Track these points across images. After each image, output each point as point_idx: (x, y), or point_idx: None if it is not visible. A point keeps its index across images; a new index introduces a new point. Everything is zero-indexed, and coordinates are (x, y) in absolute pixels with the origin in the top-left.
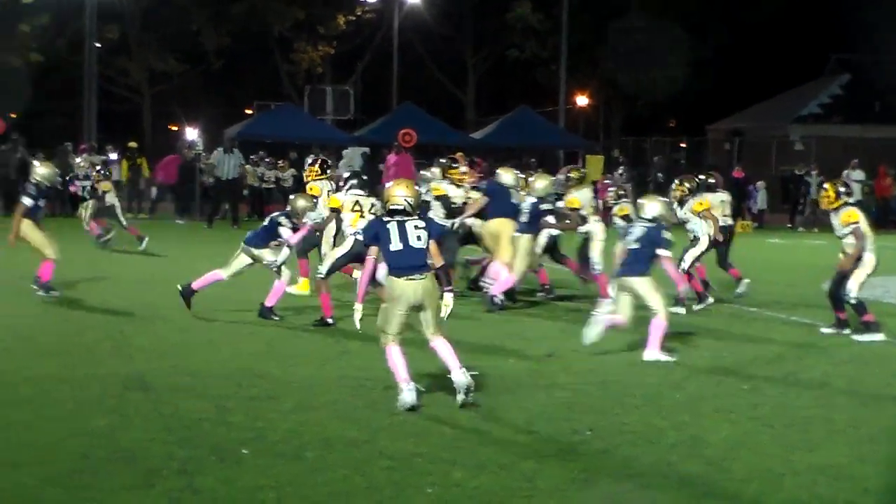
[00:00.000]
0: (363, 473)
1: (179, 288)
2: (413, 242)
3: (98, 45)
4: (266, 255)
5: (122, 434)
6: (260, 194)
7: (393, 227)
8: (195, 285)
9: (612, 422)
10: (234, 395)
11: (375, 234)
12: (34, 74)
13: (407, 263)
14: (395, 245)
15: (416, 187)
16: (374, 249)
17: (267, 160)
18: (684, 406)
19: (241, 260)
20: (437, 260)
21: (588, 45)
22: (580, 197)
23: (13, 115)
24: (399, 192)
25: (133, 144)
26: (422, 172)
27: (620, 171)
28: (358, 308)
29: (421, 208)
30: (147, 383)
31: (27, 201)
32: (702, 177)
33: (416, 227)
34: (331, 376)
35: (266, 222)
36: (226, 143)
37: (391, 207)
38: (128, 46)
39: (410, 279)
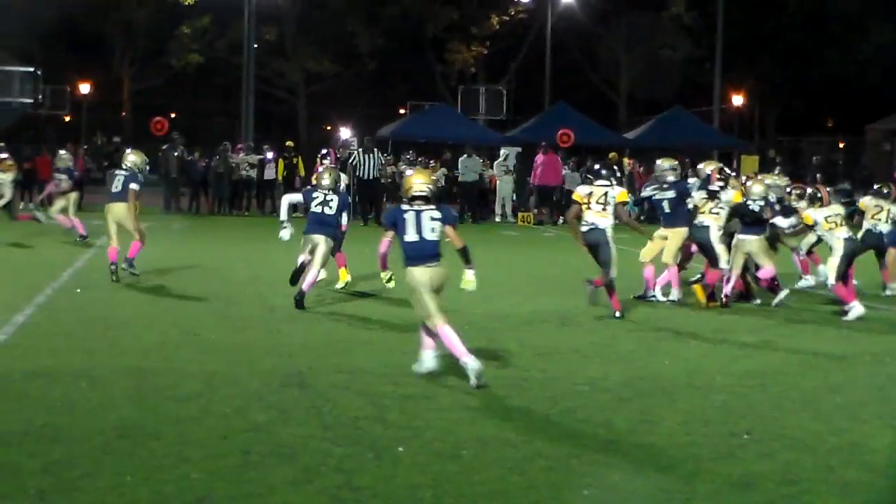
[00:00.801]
0: (520, 473)
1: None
2: (427, 235)
3: (256, 46)
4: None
5: (282, 430)
6: None
7: (410, 217)
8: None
9: (771, 426)
10: (391, 393)
11: (394, 220)
12: (195, 75)
13: (420, 254)
14: (411, 236)
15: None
16: (389, 232)
17: (420, 160)
18: (844, 411)
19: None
20: (457, 242)
21: (743, 43)
22: (813, 214)
23: (174, 115)
24: (419, 181)
25: (290, 144)
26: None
27: (776, 172)
28: (385, 274)
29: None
30: (305, 380)
31: (137, 186)
32: None
33: (431, 217)
34: (487, 375)
35: None
36: (365, 143)
37: (413, 194)
38: (284, 48)
39: (427, 267)
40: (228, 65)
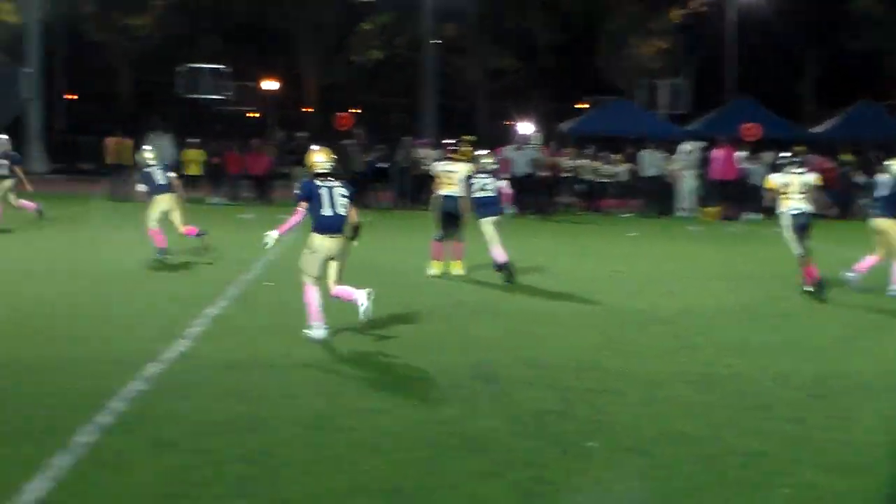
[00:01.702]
0: (713, 470)
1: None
2: (339, 210)
3: (436, 42)
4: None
5: (471, 423)
6: (594, 188)
7: (325, 193)
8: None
9: None
10: (577, 387)
11: (309, 193)
12: (376, 71)
13: (332, 226)
14: (326, 210)
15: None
16: (304, 204)
17: (601, 154)
18: None
19: None
20: (353, 218)
21: None
22: None
23: (355, 111)
24: (321, 159)
25: (468, 138)
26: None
27: None
28: (273, 235)
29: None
30: (492, 374)
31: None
32: None
33: (342, 195)
34: (672, 370)
35: None
36: (516, 138)
37: (318, 171)
38: (464, 44)
39: (331, 237)
40: (409, 61)
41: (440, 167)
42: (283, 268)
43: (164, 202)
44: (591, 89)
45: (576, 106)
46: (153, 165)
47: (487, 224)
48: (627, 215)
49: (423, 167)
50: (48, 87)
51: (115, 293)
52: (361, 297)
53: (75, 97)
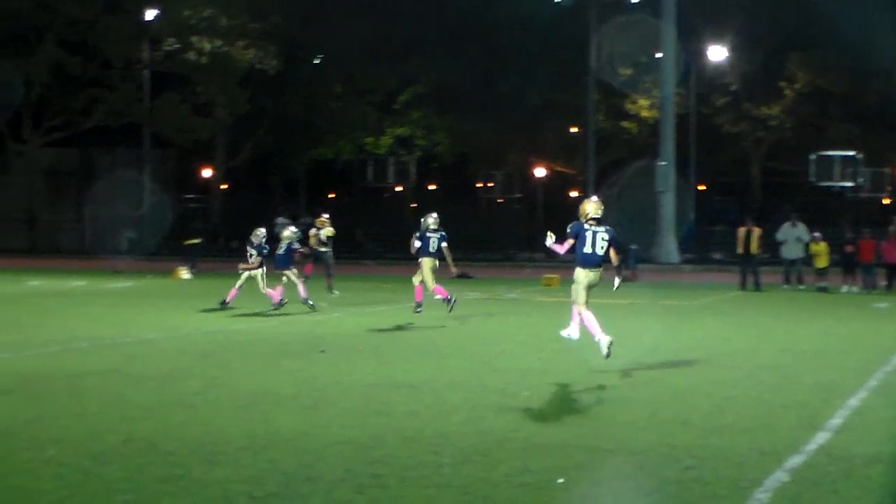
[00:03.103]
0: None
1: None
2: (598, 250)
3: None
4: None
5: None
6: None
7: (589, 234)
8: None
9: None
10: None
11: (577, 233)
12: None
13: (590, 262)
14: (588, 248)
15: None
16: (570, 241)
17: None
18: None
19: None
20: (614, 259)
21: None
22: None
23: None
24: (592, 208)
25: None
26: None
27: None
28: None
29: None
30: None
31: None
32: None
33: (602, 238)
34: None
35: None
36: None
37: (591, 217)
38: None
39: (590, 270)
40: None
41: None
42: None
43: (429, 262)
44: None
45: None
46: (435, 231)
47: None
48: None
49: None
50: (681, 178)
51: (758, 380)
52: (604, 341)
53: (704, 188)
